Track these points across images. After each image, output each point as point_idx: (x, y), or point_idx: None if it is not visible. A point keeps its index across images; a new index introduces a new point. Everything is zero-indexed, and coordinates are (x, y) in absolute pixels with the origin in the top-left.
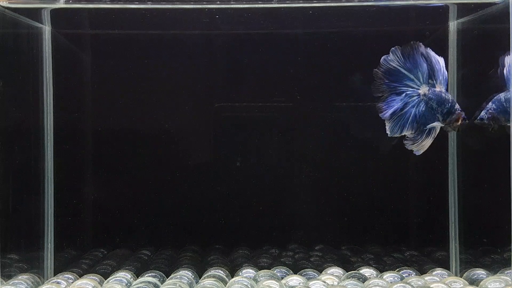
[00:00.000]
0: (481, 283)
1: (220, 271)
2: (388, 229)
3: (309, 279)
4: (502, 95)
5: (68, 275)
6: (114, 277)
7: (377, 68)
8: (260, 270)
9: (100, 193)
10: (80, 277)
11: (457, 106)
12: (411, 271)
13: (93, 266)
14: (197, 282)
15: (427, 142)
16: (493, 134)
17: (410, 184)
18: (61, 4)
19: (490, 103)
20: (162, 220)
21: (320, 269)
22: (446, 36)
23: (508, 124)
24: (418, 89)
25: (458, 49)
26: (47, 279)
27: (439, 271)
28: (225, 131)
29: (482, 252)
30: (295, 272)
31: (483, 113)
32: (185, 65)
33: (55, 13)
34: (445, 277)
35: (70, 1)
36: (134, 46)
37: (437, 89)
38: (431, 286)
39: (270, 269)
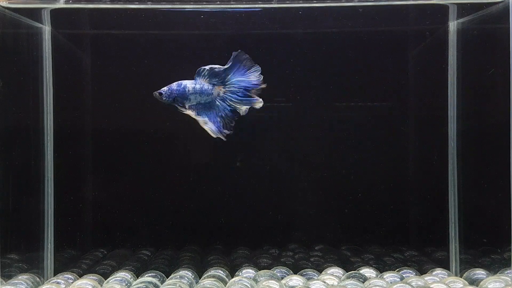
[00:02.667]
0: (481, 283)
1: (220, 271)
2: (388, 229)
3: (309, 279)
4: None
5: (68, 275)
6: (114, 277)
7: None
8: (260, 270)
9: (100, 193)
10: (80, 277)
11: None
12: (411, 271)
13: (93, 266)
14: (197, 282)
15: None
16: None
17: (410, 184)
18: (61, 4)
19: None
20: (162, 220)
21: (320, 269)
22: (446, 36)
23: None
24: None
25: (458, 49)
26: (47, 279)
27: (439, 271)
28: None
29: (482, 252)
30: (295, 272)
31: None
32: (185, 65)
33: (55, 13)
34: (445, 277)
35: (70, 1)
36: (134, 46)
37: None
38: (431, 286)
39: (270, 269)
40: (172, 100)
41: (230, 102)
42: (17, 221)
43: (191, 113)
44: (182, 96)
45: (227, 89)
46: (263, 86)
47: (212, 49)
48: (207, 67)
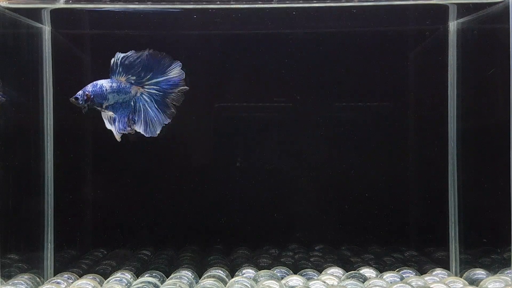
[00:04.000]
0: (481, 283)
1: (220, 271)
2: (388, 229)
3: (309, 279)
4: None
5: (68, 275)
6: (114, 277)
7: None
8: (260, 270)
9: (100, 193)
10: (80, 277)
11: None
12: (411, 271)
13: (93, 266)
14: (197, 282)
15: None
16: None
17: (410, 184)
18: (61, 4)
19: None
20: (162, 220)
21: (320, 269)
22: (446, 36)
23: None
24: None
25: (458, 49)
26: (47, 279)
27: (439, 271)
28: (225, 131)
29: (482, 252)
30: (295, 272)
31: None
32: (185, 65)
33: (55, 13)
34: (445, 277)
35: (70, 1)
36: (134, 46)
37: None
38: (431, 286)
39: (270, 269)
40: (91, 103)
41: (143, 108)
42: (17, 221)
43: (111, 113)
44: (100, 96)
45: (146, 89)
46: (184, 88)
47: (211, 49)
48: (117, 60)
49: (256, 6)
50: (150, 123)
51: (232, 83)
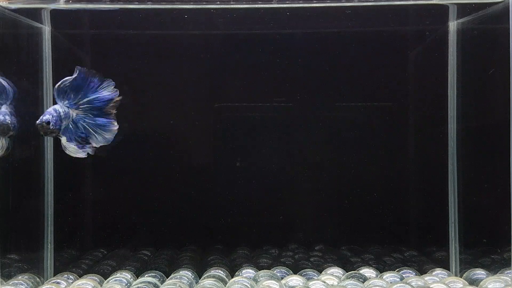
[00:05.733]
0: (481, 283)
1: (220, 271)
2: (388, 229)
3: (309, 279)
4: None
5: (68, 275)
6: (114, 277)
7: None
8: (260, 270)
9: (100, 193)
10: (80, 277)
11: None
12: (411, 271)
13: (93, 266)
14: (197, 282)
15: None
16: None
17: (410, 184)
18: (61, 4)
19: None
20: (162, 220)
21: (320, 269)
22: (446, 36)
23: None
24: None
25: (458, 49)
26: (47, 279)
27: (439, 271)
28: (225, 131)
29: (482, 252)
30: (295, 272)
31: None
32: (185, 65)
33: (55, 13)
34: (445, 277)
35: (70, 1)
36: (134, 46)
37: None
38: (431, 286)
39: (270, 269)
40: (60, 127)
41: (85, 125)
42: (17, 221)
43: (64, 138)
44: (64, 121)
45: (80, 110)
46: (118, 98)
47: (211, 49)
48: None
49: (256, 6)
50: (94, 139)
51: (231, 83)
